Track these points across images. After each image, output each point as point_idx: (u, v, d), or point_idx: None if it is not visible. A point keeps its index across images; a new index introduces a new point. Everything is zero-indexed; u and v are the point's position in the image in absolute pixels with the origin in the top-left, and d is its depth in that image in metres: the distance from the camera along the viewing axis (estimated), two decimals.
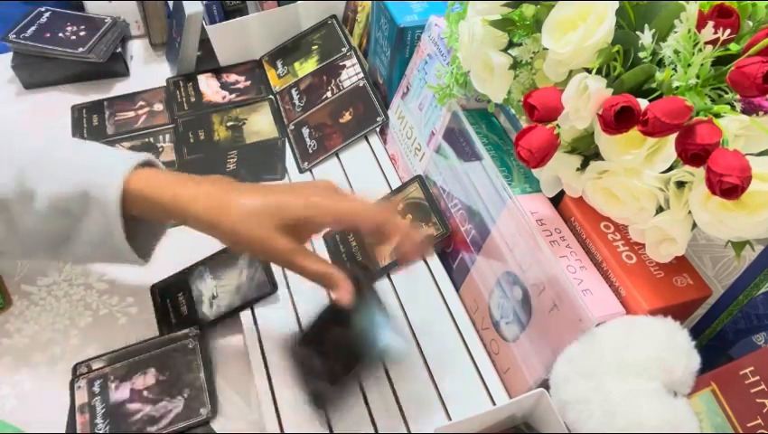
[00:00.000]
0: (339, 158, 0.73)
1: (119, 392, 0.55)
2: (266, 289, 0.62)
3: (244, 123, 0.80)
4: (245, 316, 0.60)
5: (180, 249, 0.63)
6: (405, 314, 0.59)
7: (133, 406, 0.54)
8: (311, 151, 0.75)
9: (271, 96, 0.84)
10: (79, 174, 0.50)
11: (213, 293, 0.63)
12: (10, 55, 0.87)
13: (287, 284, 0.63)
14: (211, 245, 0.65)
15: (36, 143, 0.53)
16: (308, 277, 0.50)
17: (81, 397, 0.55)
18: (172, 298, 0.63)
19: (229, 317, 0.61)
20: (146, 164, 0.53)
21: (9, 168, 0.50)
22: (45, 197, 0.50)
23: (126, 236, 0.51)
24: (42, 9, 0.92)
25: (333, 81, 0.79)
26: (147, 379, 0.56)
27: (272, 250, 0.49)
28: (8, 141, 0.53)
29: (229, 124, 0.80)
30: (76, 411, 0.54)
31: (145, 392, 0.55)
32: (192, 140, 0.78)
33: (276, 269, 0.64)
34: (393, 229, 0.50)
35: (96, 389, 0.55)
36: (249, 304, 0.61)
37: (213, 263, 0.65)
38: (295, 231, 0.49)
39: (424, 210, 0.63)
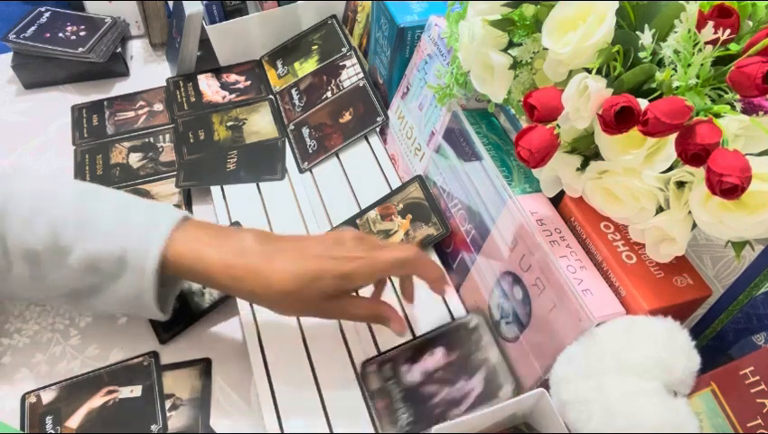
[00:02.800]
0: (339, 158, 0.73)
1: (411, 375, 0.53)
2: None
3: (244, 123, 0.80)
4: (245, 316, 0.60)
5: None
6: (405, 314, 0.59)
7: (429, 388, 0.53)
8: (311, 151, 0.75)
9: (271, 96, 0.84)
10: (117, 238, 0.50)
11: None
12: (10, 55, 0.87)
13: None
14: None
15: (72, 195, 0.53)
16: (361, 321, 0.54)
17: (374, 382, 0.54)
18: None
19: (223, 303, 0.61)
20: (184, 219, 0.53)
21: (44, 222, 0.50)
22: (80, 256, 0.50)
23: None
24: (42, 9, 0.92)
25: (333, 81, 0.79)
26: (437, 359, 0.54)
27: (318, 315, 0.52)
28: (46, 189, 0.52)
29: (229, 124, 0.80)
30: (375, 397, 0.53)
31: (438, 373, 0.53)
32: (191, 140, 0.78)
33: None
34: (424, 268, 0.53)
35: (387, 373, 0.54)
36: None
37: None
38: (335, 294, 0.50)
39: (424, 210, 0.63)
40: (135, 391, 0.55)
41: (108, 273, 0.50)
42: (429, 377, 0.53)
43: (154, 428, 0.53)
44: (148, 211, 0.53)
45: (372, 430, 0.53)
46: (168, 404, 0.55)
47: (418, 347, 0.55)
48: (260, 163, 0.75)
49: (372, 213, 0.66)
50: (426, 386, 0.53)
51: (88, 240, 0.50)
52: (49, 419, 0.53)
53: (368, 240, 0.52)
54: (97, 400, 0.55)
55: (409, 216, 0.64)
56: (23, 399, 0.55)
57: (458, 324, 0.56)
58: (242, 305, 0.61)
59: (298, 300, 0.50)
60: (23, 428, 0.52)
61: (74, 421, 0.51)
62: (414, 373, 0.54)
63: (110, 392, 0.55)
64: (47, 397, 0.55)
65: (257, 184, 0.73)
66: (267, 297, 0.50)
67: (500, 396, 0.50)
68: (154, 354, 0.58)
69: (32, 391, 0.55)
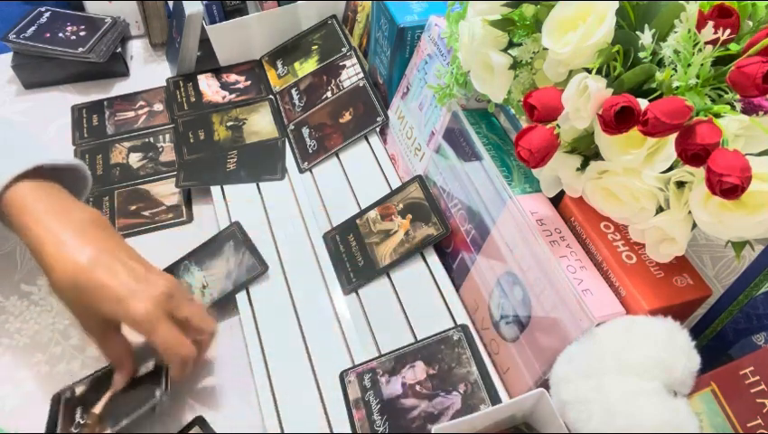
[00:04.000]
0: (339, 158, 0.73)
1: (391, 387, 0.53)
2: (257, 270, 0.62)
3: (244, 123, 0.80)
4: (244, 314, 0.60)
5: (161, 249, 0.64)
6: (405, 314, 0.59)
7: (407, 401, 0.52)
8: (311, 151, 0.75)
9: (271, 96, 0.84)
10: None
11: (203, 283, 0.63)
12: (10, 55, 0.87)
13: (281, 264, 0.64)
14: (194, 241, 0.66)
15: None
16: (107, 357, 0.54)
17: (353, 392, 0.54)
18: None
19: (225, 302, 0.62)
20: (38, 172, 0.53)
21: None
22: None
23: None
24: (42, 9, 0.92)
25: (333, 81, 0.79)
26: (417, 373, 0.54)
27: (82, 324, 0.51)
28: None
29: (229, 124, 0.80)
30: (351, 406, 0.53)
31: (417, 387, 0.53)
32: (191, 140, 0.78)
33: (265, 250, 0.65)
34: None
35: (367, 383, 0.54)
36: (242, 286, 0.62)
37: (197, 256, 0.66)
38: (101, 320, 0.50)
39: (424, 210, 0.63)
40: (149, 365, 0.56)
41: None
42: (408, 390, 0.53)
43: (157, 392, 0.53)
44: (13, 150, 0.54)
45: None
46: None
47: (399, 359, 0.55)
48: (260, 163, 0.75)
49: (372, 213, 0.66)
50: (405, 399, 0.53)
51: None
52: (78, 410, 0.54)
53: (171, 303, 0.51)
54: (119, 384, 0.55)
55: (409, 216, 0.64)
56: (58, 396, 0.56)
57: (440, 337, 0.56)
58: (242, 305, 0.61)
59: (69, 302, 0.50)
60: (53, 424, 0.54)
61: (98, 407, 0.53)
62: (393, 385, 0.54)
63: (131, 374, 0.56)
64: (79, 390, 0.56)
65: (257, 184, 0.73)
66: (53, 282, 0.49)
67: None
68: None
69: (68, 388, 0.56)
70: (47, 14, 0.91)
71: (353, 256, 0.64)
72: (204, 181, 0.74)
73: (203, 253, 0.66)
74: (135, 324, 0.49)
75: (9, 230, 0.53)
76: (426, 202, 0.64)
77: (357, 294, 0.62)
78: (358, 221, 0.67)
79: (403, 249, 0.62)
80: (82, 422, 0.53)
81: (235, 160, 0.76)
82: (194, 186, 0.74)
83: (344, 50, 0.81)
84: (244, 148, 0.77)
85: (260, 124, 0.80)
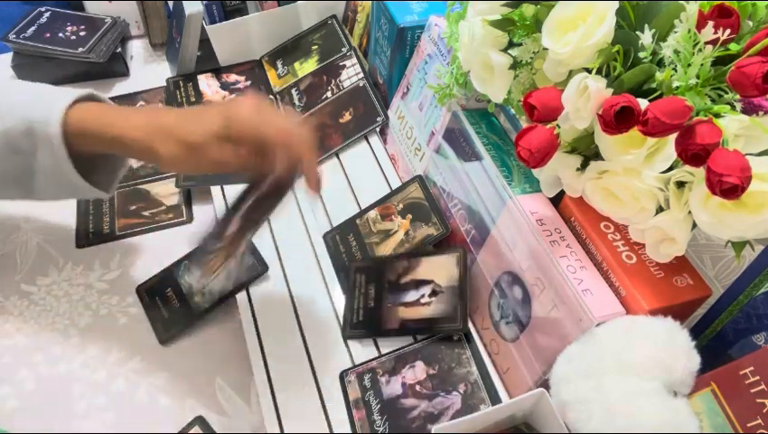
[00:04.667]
0: (339, 158, 0.73)
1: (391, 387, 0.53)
2: (257, 270, 0.63)
3: None
4: (245, 314, 0.60)
5: (161, 249, 0.65)
6: None
7: (407, 401, 0.52)
8: None
9: (271, 96, 0.84)
10: (23, 111, 0.52)
11: (203, 283, 0.63)
12: (10, 55, 0.87)
13: (281, 265, 0.64)
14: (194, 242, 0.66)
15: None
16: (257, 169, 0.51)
17: (354, 392, 0.54)
18: (161, 295, 0.63)
19: (224, 302, 0.62)
20: (90, 98, 0.55)
21: None
22: (1, 135, 0.52)
23: (82, 170, 0.53)
24: (42, 9, 0.92)
25: (333, 81, 0.79)
26: (417, 373, 0.54)
27: (221, 165, 0.50)
28: None
29: None
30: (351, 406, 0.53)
31: (417, 387, 0.53)
32: None
33: (265, 250, 0.65)
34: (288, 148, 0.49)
35: (367, 383, 0.54)
36: (242, 287, 0.62)
37: (197, 256, 0.65)
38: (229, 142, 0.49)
39: (424, 210, 0.63)
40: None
41: (26, 150, 0.52)
42: (408, 390, 0.53)
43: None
44: (53, 88, 0.55)
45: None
46: (428, 290, 0.56)
47: (399, 359, 0.55)
48: None
49: (372, 213, 0.66)
50: (405, 399, 0.53)
51: (4, 120, 0.52)
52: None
53: (267, 106, 0.51)
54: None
55: (409, 216, 0.64)
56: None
57: (440, 337, 0.56)
58: (242, 305, 0.61)
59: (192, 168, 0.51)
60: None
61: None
62: (393, 385, 0.54)
63: None
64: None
65: None
66: (166, 149, 0.49)
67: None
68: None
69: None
70: (47, 14, 0.91)
71: (353, 256, 0.64)
72: (204, 181, 0.74)
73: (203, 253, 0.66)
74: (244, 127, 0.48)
75: (80, 148, 0.53)
76: (425, 202, 0.64)
77: (359, 273, 0.62)
78: (358, 221, 0.67)
79: (403, 249, 0.62)
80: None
81: None
82: (194, 186, 0.74)
83: (344, 50, 0.81)
84: None
85: None
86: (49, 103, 0.52)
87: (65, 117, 0.51)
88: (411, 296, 0.58)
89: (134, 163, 0.77)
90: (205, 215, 0.72)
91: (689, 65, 0.37)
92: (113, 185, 0.58)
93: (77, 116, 0.51)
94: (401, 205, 0.65)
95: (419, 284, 0.58)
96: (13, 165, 0.53)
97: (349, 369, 0.56)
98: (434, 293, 0.57)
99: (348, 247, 0.65)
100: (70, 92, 0.53)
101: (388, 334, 0.57)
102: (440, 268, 0.58)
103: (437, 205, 0.63)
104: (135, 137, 0.50)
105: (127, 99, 0.85)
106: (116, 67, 0.89)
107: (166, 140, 0.49)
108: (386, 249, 0.63)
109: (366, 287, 0.60)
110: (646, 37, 0.39)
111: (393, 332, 0.57)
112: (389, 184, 0.69)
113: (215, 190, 0.72)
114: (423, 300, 0.57)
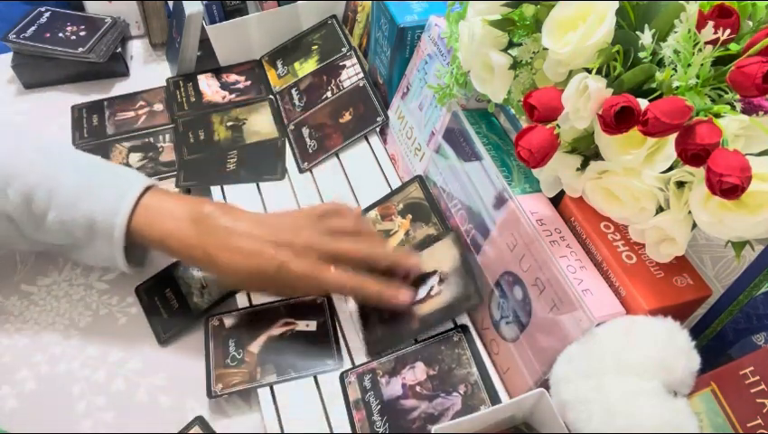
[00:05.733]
0: (339, 158, 0.73)
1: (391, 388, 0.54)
2: None
3: (244, 123, 0.80)
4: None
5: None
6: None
7: (407, 402, 0.53)
8: (311, 151, 0.75)
9: (271, 96, 0.84)
10: (85, 206, 0.55)
11: (202, 283, 0.63)
12: (10, 55, 0.87)
13: None
14: None
15: (42, 161, 0.57)
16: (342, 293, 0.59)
17: (354, 393, 0.54)
18: (160, 295, 0.63)
19: (223, 302, 0.62)
20: (148, 187, 0.58)
21: (15, 191, 0.54)
22: (54, 220, 0.55)
23: (126, 255, 0.57)
24: (42, 9, 0.92)
25: (333, 81, 0.79)
26: (417, 373, 0.54)
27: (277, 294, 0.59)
28: (14, 160, 0.56)
29: (229, 124, 0.80)
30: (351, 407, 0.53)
31: (417, 388, 0.53)
32: (191, 140, 0.78)
33: None
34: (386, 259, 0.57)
35: (367, 384, 0.54)
36: None
37: None
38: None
39: (424, 210, 0.63)
40: (310, 325, 0.58)
41: (81, 237, 0.56)
42: (408, 391, 0.53)
43: (330, 362, 0.56)
44: (114, 178, 0.58)
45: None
46: (435, 280, 0.57)
47: (399, 360, 0.55)
48: (260, 163, 0.75)
49: (372, 213, 0.66)
50: (405, 400, 0.53)
51: (58, 208, 0.55)
52: (231, 342, 0.58)
53: (325, 219, 0.58)
54: (275, 330, 0.58)
55: (409, 216, 0.64)
56: (207, 320, 0.59)
57: (440, 338, 0.56)
58: (242, 305, 0.61)
59: (248, 286, 0.58)
60: (207, 345, 0.58)
61: (255, 346, 0.57)
62: (393, 386, 0.54)
63: (287, 324, 0.59)
64: (228, 322, 0.59)
65: (257, 184, 0.73)
66: (220, 280, 0.58)
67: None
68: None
69: (215, 315, 0.60)
70: (47, 14, 0.91)
71: None
72: (204, 181, 0.74)
73: None
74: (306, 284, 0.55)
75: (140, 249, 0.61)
76: (425, 202, 0.64)
77: None
78: None
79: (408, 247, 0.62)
80: (239, 357, 0.56)
81: (235, 160, 0.76)
82: (194, 186, 0.74)
83: (344, 50, 0.81)
84: (244, 148, 0.77)
85: (260, 124, 0.80)
86: (113, 202, 0.55)
87: (129, 220, 0.55)
88: (421, 292, 0.58)
89: (134, 163, 0.77)
90: None
91: (689, 65, 0.37)
92: (146, 259, 0.64)
93: (138, 222, 0.55)
94: (401, 205, 0.65)
95: (425, 278, 0.59)
96: (63, 242, 0.57)
97: (349, 370, 0.56)
98: (441, 281, 0.57)
99: None
100: (132, 187, 0.56)
101: (413, 335, 0.57)
102: (440, 256, 0.59)
103: (437, 205, 0.63)
104: (195, 256, 0.55)
105: (127, 99, 0.85)
106: (116, 67, 0.89)
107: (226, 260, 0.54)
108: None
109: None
110: (646, 37, 0.39)
111: (416, 331, 0.56)
112: (389, 184, 0.69)
113: (215, 190, 0.72)
114: (433, 291, 0.57)
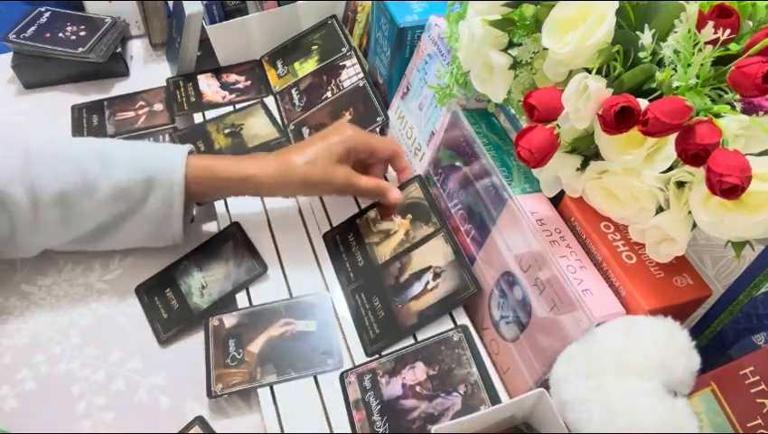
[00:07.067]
0: None
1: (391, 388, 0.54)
2: (256, 271, 0.62)
3: (241, 128, 0.80)
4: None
5: (161, 249, 0.65)
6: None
7: (407, 402, 0.53)
8: None
9: (262, 97, 0.83)
10: (145, 161, 0.59)
11: (202, 283, 0.63)
12: (10, 55, 0.87)
13: (281, 265, 0.64)
14: (194, 242, 0.66)
15: (87, 141, 0.61)
16: (365, 193, 0.64)
17: (354, 393, 0.54)
18: (160, 295, 0.63)
19: (224, 303, 0.62)
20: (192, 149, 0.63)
21: (69, 164, 0.57)
22: (109, 186, 0.57)
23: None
24: (42, 9, 0.92)
25: (333, 81, 0.79)
26: (417, 373, 0.54)
27: (334, 181, 0.61)
28: (60, 140, 0.60)
29: (227, 131, 0.80)
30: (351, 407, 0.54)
31: (417, 388, 0.53)
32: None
33: (265, 250, 0.65)
34: (398, 156, 0.65)
35: (367, 384, 0.54)
36: (242, 287, 0.62)
37: (196, 257, 0.66)
38: (344, 161, 0.62)
39: (424, 210, 0.63)
40: (310, 325, 0.59)
41: (137, 198, 0.58)
42: (408, 391, 0.53)
43: (330, 362, 0.56)
44: (160, 145, 0.63)
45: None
46: (430, 276, 0.58)
47: (399, 360, 0.55)
48: None
49: (372, 213, 0.66)
50: (405, 400, 0.53)
51: (114, 172, 0.57)
52: (231, 342, 0.58)
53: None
54: (275, 330, 0.58)
55: (409, 216, 0.64)
56: (207, 320, 0.60)
57: (440, 338, 0.56)
58: (242, 305, 0.61)
59: (319, 169, 0.61)
60: (207, 345, 0.58)
61: (255, 346, 0.57)
62: (393, 386, 0.54)
63: (287, 324, 0.59)
64: (228, 322, 0.59)
65: None
66: (295, 177, 0.60)
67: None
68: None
69: (215, 315, 0.60)
70: (47, 14, 0.91)
71: (353, 256, 0.64)
72: None
73: (202, 254, 0.66)
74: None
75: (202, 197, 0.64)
76: (425, 202, 0.64)
77: (357, 294, 0.62)
78: (358, 221, 0.67)
79: (403, 249, 0.62)
80: (239, 356, 0.56)
81: None
82: None
83: (344, 50, 0.81)
84: (247, 152, 0.77)
85: (258, 126, 0.80)
86: (171, 153, 0.60)
87: (187, 165, 0.59)
88: (417, 288, 0.58)
89: None
90: (205, 215, 0.72)
91: (689, 65, 0.37)
92: (186, 231, 0.64)
93: (196, 164, 0.60)
94: (401, 205, 0.65)
95: (420, 274, 0.59)
96: (111, 214, 0.59)
97: (349, 369, 0.56)
98: (436, 276, 0.58)
99: (348, 247, 0.65)
100: (179, 146, 0.61)
101: (411, 331, 0.57)
102: (432, 252, 0.59)
103: (437, 205, 0.63)
104: (269, 174, 0.60)
105: (127, 99, 0.85)
106: (116, 67, 0.89)
107: (296, 178, 0.60)
108: (386, 249, 0.63)
109: (370, 303, 0.60)
110: (646, 37, 0.39)
111: (414, 327, 0.57)
112: None
113: None
114: (429, 286, 0.58)
